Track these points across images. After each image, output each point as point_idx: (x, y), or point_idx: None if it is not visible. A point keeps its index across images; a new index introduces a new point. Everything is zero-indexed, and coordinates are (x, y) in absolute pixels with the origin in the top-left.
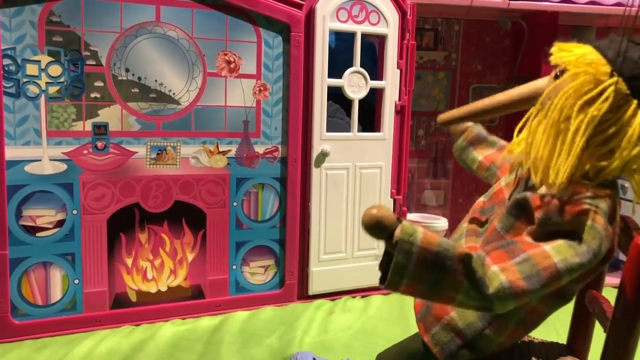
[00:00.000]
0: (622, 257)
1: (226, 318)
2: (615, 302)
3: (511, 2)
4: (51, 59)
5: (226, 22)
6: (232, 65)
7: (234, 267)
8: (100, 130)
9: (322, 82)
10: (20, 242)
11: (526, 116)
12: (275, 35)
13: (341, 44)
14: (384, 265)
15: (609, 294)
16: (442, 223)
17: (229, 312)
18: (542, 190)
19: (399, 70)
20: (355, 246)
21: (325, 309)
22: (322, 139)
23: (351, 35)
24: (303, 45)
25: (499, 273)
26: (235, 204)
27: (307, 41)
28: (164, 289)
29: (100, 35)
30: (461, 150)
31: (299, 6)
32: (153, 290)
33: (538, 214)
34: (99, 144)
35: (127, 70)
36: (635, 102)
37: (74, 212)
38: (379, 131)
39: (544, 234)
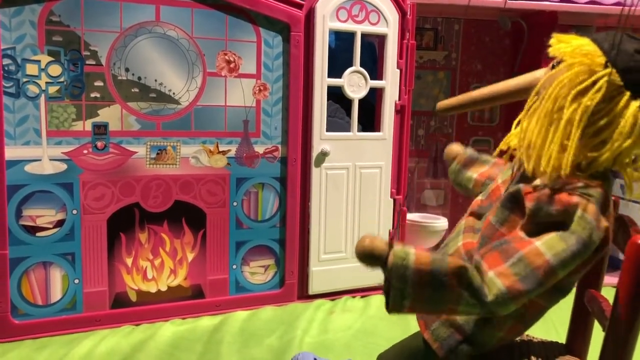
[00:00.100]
0: (621, 256)
1: (226, 318)
2: (614, 301)
3: (510, 1)
4: (51, 58)
5: (226, 22)
6: (232, 65)
7: (234, 266)
8: (100, 130)
9: (322, 81)
10: (20, 242)
11: (525, 108)
12: (275, 34)
13: (341, 43)
14: (386, 291)
15: (608, 293)
16: (442, 223)
17: (229, 311)
18: (536, 183)
19: (398, 70)
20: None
21: (325, 308)
22: (322, 138)
23: (351, 35)
24: (303, 44)
25: (496, 279)
26: (235, 203)
27: (307, 41)
28: (164, 288)
29: (100, 35)
30: (456, 173)
31: (299, 6)
32: (153, 290)
33: (529, 205)
34: (99, 144)
35: (127, 70)
36: (628, 94)
37: (74, 212)
38: (379, 131)
39: (536, 225)
